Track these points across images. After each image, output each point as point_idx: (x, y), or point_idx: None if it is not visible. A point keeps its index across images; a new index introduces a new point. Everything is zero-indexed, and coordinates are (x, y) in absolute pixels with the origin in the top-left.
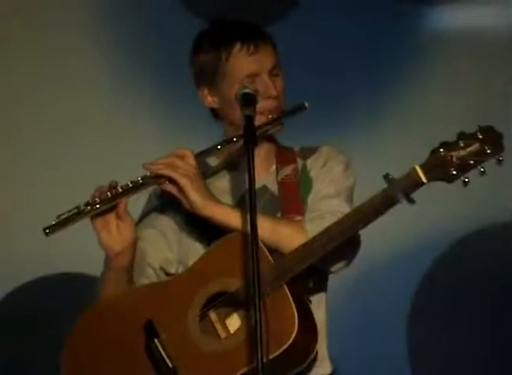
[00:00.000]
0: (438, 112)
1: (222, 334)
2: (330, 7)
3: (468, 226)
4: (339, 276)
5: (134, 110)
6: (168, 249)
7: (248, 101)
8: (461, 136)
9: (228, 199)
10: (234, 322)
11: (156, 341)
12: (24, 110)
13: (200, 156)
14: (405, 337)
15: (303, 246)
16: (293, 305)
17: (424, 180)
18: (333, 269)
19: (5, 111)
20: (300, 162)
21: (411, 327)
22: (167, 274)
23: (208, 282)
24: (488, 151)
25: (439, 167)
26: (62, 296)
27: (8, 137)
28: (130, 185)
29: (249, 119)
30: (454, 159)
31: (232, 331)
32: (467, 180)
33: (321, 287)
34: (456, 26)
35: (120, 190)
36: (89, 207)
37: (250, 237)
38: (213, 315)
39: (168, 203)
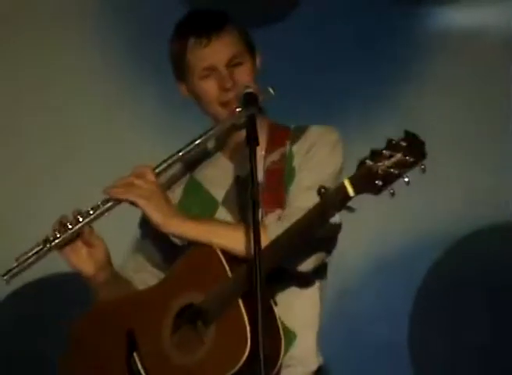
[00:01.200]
0: (437, 113)
1: (191, 348)
2: (329, 7)
3: (468, 226)
4: (339, 276)
5: (134, 111)
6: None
7: (250, 100)
8: (387, 144)
9: (216, 189)
10: (201, 336)
11: (135, 354)
12: (24, 111)
13: (160, 168)
14: (406, 338)
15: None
16: (248, 325)
17: (352, 193)
18: (302, 269)
19: (5, 112)
20: (288, 147)
21: (412, 328)
22: None
23: (177, 294)
24: (411, 160)
25: (366, 179)
26: (60, 296)
27: (7, 138)
28: (91, 212)
29: (251, 119)
30: (379, 170)
31: (201, 343)
32: (392, 191)
33: (306, 283)
34: (455, 26)
35: (81, 219)
36: (48, 245)
37: (253, 242)
38: (183, 327)
39: None
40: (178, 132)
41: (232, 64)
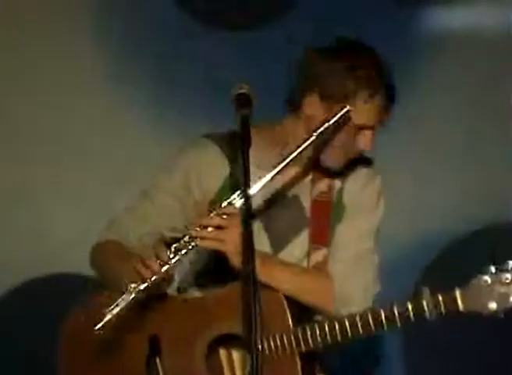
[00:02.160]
0: (435, 113)
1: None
2: (327, 7)
3: (468, 226)
4: None
5: (131, 110)
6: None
7: (243, 101)
8: (504, 269)
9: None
10: (241, 366)
11: (158, 359)
12: (23, 110)
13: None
14: (402, 338)
15: (331, 322)
16: None
17: (462, 308)
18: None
19: (4, 113)
20: (336, 180)
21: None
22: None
23: (222, 319)
24: None
25: (480, 298)
26: (58, 297)
27: (6, 137)
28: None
29: (245, 119)
30: (496, 293)
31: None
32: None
33: None
34: (453, 27)
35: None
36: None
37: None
38: (222, 353)
39: None
40: (174, 131)
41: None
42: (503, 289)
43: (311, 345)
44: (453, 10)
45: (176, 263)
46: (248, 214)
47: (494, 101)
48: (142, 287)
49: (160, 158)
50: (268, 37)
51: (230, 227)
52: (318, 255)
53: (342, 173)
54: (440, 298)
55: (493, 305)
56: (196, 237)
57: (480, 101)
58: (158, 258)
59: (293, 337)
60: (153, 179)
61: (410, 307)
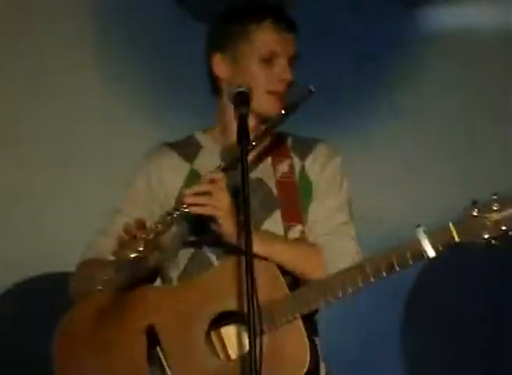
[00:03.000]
0: (432, 112)
1: (226, 355)
2: (323, 7)
3: None
4: None
5: (130, 111)
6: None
7: (242, 99)
8: (496, 198)
9: None
10: (240, 344)
11: (158, 348)
12: (20, 112)
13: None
14: (399, 337)
15: (322, 282)
16: (307, 344)
17: (458, 239)
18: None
19: (4, 113)
20: (296, 160)
21: (406, 327)
22: None
23: (219, 298)
24: None
25: (473, 229)
26: (57, 296)
27: (6, 137)
28: (169, 218)
29: (243, 118)
30: (488, 223)
31: (239, 352)
32: (497, 244)
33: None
34: (450, 26)
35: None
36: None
37: (244, 249)
38: (219, 333)
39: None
40: (171, 131)
41: (291, 62)
42: (494, 216)
43: (312, 307)
44: (452, 9)
45: (164, 230)
46: (247, 213)
47: (491, 100)
48: (141, 248)
49: None
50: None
51: (217, 192)
52: (294, 233)
53: (301, 152)
54: (435, 232)
55: (486, 234)
56: (184, 205)
57: (480, 100)
58: (137, 225)
59: (293, 302)
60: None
61: (408, 249)
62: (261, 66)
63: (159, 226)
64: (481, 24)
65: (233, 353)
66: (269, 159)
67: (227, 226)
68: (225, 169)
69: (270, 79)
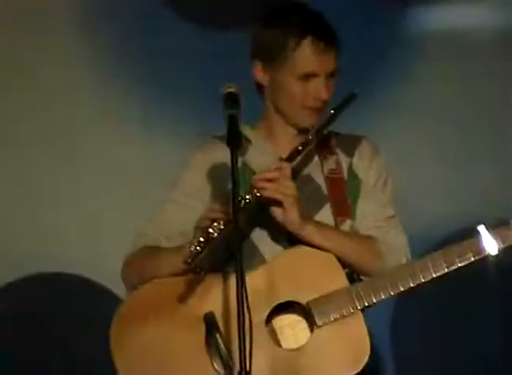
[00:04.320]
0: (427, 112)
1: (286, 344)
2: (315, 7)
3: (467, 225)
4: None
5: (123, 114)
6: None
7: (232, 100)
8: None
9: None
10: (301, 334)
11: (218, 335)
12: (21, 112)
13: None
14: (390, 340)
15: (384, 275)
16: (367, 336)
17: (495, 252)
18: None
19: (5, 114)
20: (342, 156)
21: (401, 327)
22: None
23: (280, 289)
24: None
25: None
26: (56, 296)
27: (7, 137)
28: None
29: (233, 119)
30: None
31: (298, 343)
32: None
33: None
34: (445, 26)
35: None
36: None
37: (236, 248)
38: (280, 323)
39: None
40: (165, 133)
41: (329, 76)
42: None
43: (373, 300)
44: (442, 9)
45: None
46: (236, 210)
47: (486, 99)
48: (222, 226)
49: (155, 159)
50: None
51: (284, 179)
52: (345, 226)
53: (347, 148)
54: (498, 231)
55: None
56: (255, 190)
57: (472, 100)
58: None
59: (354, 295)
60: (170, 184)
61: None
62: (299, 83)
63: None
64: (478, 23)
65: (290, 342)
66: (316, 157)
67: (293, 213)
68: (288, 159)
69: (306, 96)
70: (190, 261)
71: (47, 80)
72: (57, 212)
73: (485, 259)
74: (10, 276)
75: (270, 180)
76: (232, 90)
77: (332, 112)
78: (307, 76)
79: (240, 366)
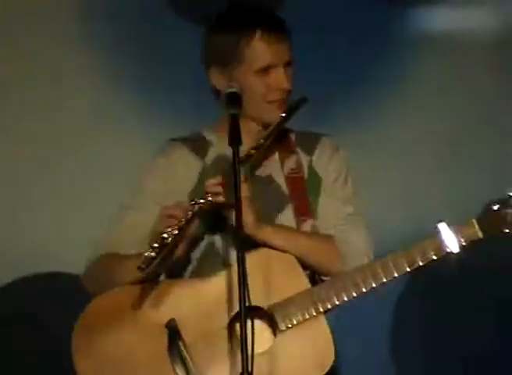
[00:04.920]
0: (424, 114)
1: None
2: (315, 8)
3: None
4: None
5: (123, 114)
6: None
7: (233, 100)
8: None
9: None
10: (264, 339)
11: (180, 343)
12: (21, 111)
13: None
14: (391, 337)
15: (344, 276)
16: (331, 339)
17: (481, 235)
18: None
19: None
20: (302, 155)
21: (398, 329)
22: None
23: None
24: None
25: (494, 224)
26: (56, 296)
27: (7, 138)
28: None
29: (234, 118)
30: (508, 218)
31: (260, 348)
32: None
33: None
34: (442, 27)
35: (182, 224)
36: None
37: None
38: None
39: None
40: (164, 132)
41: (288, 65)
42: None
43: (334, 302)
44: (439, 10)
45: (193, 219)
46: (239, 212)
47: (483, 101)
48: (176, 231)
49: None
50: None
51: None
52: (306, 226)
53: (307, 146)
54: (459, 228)
55: (506, 229)
56: (208, 194)
57: (469, 101)
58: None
59: (316, 297)
60: (131, 190)
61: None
62: (258, 77)
63: (189, 214)
64: (477, 25)
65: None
66: (276, 155)
67: (247, 215)
68: (241, 163)
69: (268, 89)
70: (143, 267)
71: (46, 80)
72: (57, 212)
73: (446, 257)
74: (10, 276)
75: (223, 184)
76: (233, 90)
77: (283, 115)
78: (266, 70)
79: (243, 369)
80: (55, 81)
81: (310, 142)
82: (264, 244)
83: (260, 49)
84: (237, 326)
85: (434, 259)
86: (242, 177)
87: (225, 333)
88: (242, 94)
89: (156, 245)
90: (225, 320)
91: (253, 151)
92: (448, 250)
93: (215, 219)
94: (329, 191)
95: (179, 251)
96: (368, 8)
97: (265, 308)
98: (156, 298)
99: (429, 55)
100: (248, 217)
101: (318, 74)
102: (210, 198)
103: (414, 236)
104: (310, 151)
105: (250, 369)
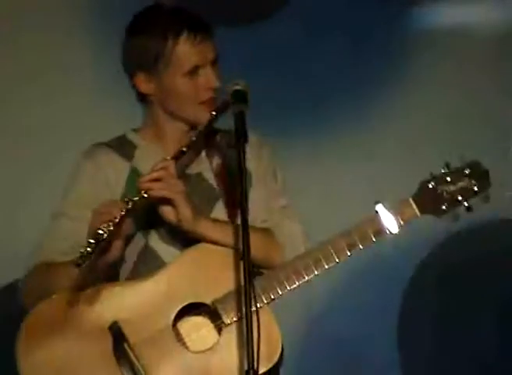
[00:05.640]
0: (425, 112)
1: (195, 346)
2: (318, 6)
3: (465, 222)
4: (332, 273)
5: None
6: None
7: (240, 97)
8: (448, 170)
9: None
10: (209, 335)
11: (126, 345)
12: (16, 109)
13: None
14: (397, 334)
15: (286, 265)
16: (278, 330)
17: (419, 214)
18: None
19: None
20: (228, 151)
21: (402, 325)
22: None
23: (183, 291)
24: (476, 189)
25: (431, 201)
26: None
27: (7, 138)
28: (124, 211)
29: (241, 116)
30: (444, 194)
31: (207, 344)
32: (457, 216)
33: None
34: (443, 24)
35: (117, 220)
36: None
37: (242, 247)
38: (186, 326)
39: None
40: None
41: (214, 64)
42: (450, 188)
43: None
44: (441, 8)
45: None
46: (245, 210)
47: (483, 98)
48: (111, 227)
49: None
50: (258, 34)
51: (169, 178)
52: (238, 221)
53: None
54: (396, 209)
55: (444, 206)
56: (142, 191)
57: (470, 99)
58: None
59: (259, 289)
60: (61, 196)
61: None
62: (186, 79)
63: (123, 211)
64: (478, 23)
65: (198, 345)
66: (203, 153)
67: (185, 210)
68: (174, 158)
69: (197, 90)
70: (80, 262)
71: (50, 81)
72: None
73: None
74: (10, 276)
75: (157, 180)
76: (239, 87)
77: (214, 113)
78: (193, 71)
79: (248, 366)
80: (58, 79)
81: (231, 138)
82: (204, 239)
83: (186, 52)
84: (181, 323)
85: (373, 241)
86: (172, 170)
87: (170, 331)
88: (169, 96)
89: (92, 241)
90: (169, 319)
91: (185, 148)
92: (387, 231)
93: (150, 214)
94: (259, 185)
95: (116, 249)
96: (369, 8)
97: (208, 303)
98: (97, 301)
99: (432, 55)
100: (185, 212)
101: (318, 70)
102: (144, 195)
103: (411, 238)
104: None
105: (255, 366)
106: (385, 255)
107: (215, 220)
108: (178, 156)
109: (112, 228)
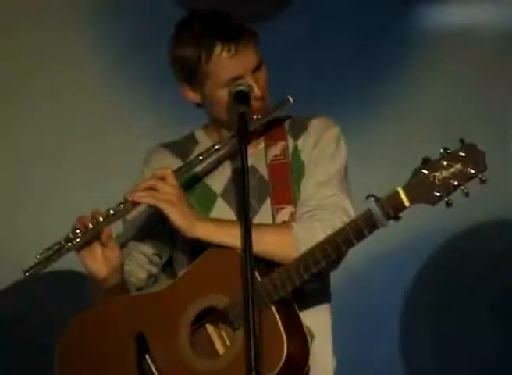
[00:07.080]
0: (429, 111)
1: (213, 353)
2: (321, 6)
3: (465, 222)
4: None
5: (130, 110)
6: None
7: (241, 98)
8: (444, 154)
9: (215, 181)
10: (224, 340)
11: (147, 357)
12: (18, 108)
13: (181, 171)
14: (398, 334)
15: (286, 266)
16: (282, 330)
17: (407, 203)
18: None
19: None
20: (290, 140)
21: (405, 323)
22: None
23: (195, 296)
24: (472, 171)
25: (422, 189)
26: (58, 294)
27: (7, 138)
28: (112, 213)
29: (243, 117)
30: (437, 181)
31: (223, 349)
32: (450, 202)
33: (323, 291)
34: (448, 24)
35: (101, 219)
36: (69, 244)
37: (244, 248)
38: (203, 332)
39: None
40: (171, 127)
41: (256, 71)
42: (443, 174)
43: (283, 293)
44: (446, 8)
45: (114, 219)
46: (247, 206)
47: (488, 98)
48: (76, 240)
49: None
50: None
51: (162, 186)
52: (283, 215)
53: (295, 132)
54: (385, 200)
55: (437, 193)
56: (131, 198)
57: (474, 98)
58: (94, 214)
59: (264, 289)
60: None
61: (362, 220)
62: (226, 91)
63: (100, 219)
64: (481, 23)
65: (220, 349)
66: (263, 145)
67: (174, 217)
68: (179, 169)
69: None
70: (27, 269)
71: (55, 77)
72: (57, 212)
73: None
74: (10, 276)
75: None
76: (242, 88)
77: (259, 117)
78: (234, 80)
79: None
80: (60, 79)
81: (299, 126)
82: (208, 243)
83: (221, 65)
84: (201, 330)
85: (366, 235)
86: (170, 179)
87: (187, 340)
88: (213, 107)
89: (49, 247)
90: (187, 328)
91: (201, 157)
92: (379, 224)
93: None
94: (310, 174)
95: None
96: (372, 8)
97: (221, 308)
98: (125, 311)
99: (432, 55)
100: (175, 220)
101: (321, 71)
102: (130, 199)
103: (411, 238)
104: (297, 136)
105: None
106: (385, 255)
107: (219, 221)
108: (183, 168)
109: (80, 235)
